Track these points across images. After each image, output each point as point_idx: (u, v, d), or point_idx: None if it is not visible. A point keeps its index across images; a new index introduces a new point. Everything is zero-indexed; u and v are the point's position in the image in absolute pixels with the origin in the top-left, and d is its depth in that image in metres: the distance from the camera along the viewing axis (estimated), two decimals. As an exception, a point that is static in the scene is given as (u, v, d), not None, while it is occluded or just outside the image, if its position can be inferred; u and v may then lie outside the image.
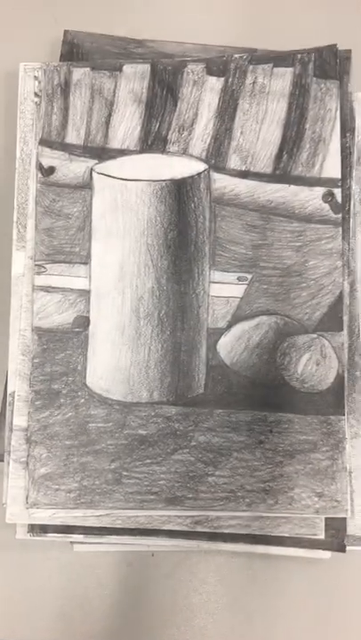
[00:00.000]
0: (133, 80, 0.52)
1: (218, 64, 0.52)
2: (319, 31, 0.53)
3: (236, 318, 0.50)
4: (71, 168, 0.51)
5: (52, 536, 0.49)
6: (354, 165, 0.51)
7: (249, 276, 0.50)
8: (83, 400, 0.49)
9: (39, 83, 0.52)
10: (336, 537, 0.48)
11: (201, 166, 0.50)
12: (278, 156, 0.51)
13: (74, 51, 0.54)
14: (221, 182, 0.51)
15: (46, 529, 0.49)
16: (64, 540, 0.49)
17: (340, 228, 0.50)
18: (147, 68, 0.52)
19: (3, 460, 0.50)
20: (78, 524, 0.48)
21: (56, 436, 0.49)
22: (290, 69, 0.51)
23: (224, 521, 0.48)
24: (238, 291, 0.50)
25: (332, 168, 0.50)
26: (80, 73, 0.52)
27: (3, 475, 0.49)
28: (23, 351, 0.50)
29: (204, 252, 0.50)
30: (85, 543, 0.50)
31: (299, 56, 0.51)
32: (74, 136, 0.51)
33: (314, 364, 0.49)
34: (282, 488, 0.48)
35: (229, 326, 0.50)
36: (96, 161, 0.51)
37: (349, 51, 0.52)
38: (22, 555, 0.50)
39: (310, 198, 0.50)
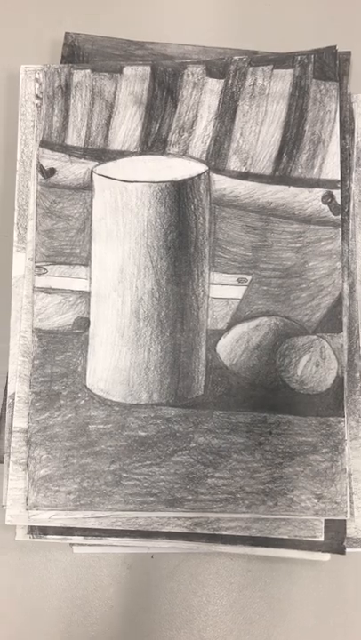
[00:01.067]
0: (134, 82, 0.52)
1: (218, 66, 0.52)
2: (319, 33, 0.54)
3: (236, 320, 0.50)
4: (72, 169, 0.51)
5: (51, 538, 0.49)
6: (353, 167, 0.51)
7: (249, 278, 0.50)
8: (83, 401, 0.49)
9: (40, 85, 0.52)
10: (336, 539, 0.48)
11: (201, 168, 0.50)
12: (278, 158, 0.51)
13: (75, 53, 0.54)
14: (221, 184, 0.51)
15: (46, 531, 0.49)
16: (64, 542, 0.49)
17: (340, 230, 0.50)
18: (147, 69, 0.52)
19: (2, 462, 0.50)
20: (78, 526, 0.48)
21: (56, 437, 0.49)
22: (289, 71, 0.51)
23: (223, 523, 0.48)
24: (238, 292, 0.50)
25: (332, 169, 0.50)
26: (81, 75, 0.52)
27: (2, 476, 0.49)
28: (23, 353, 0.50)
29: (203, 253, 0.50)
30: (85, 545, 0.49)
31: (298, 58, 0.51)
32: (74, 138, 0.51)
33: (313, 366, 0.49)
34: (281, 490, 0.48)
35: (229, 328, 0.50)
36: (96, 162, 0.51)
37: (349, 52, 0.52)
38: (22, 556, 0.50)
39: (310, 200, 0.50)
